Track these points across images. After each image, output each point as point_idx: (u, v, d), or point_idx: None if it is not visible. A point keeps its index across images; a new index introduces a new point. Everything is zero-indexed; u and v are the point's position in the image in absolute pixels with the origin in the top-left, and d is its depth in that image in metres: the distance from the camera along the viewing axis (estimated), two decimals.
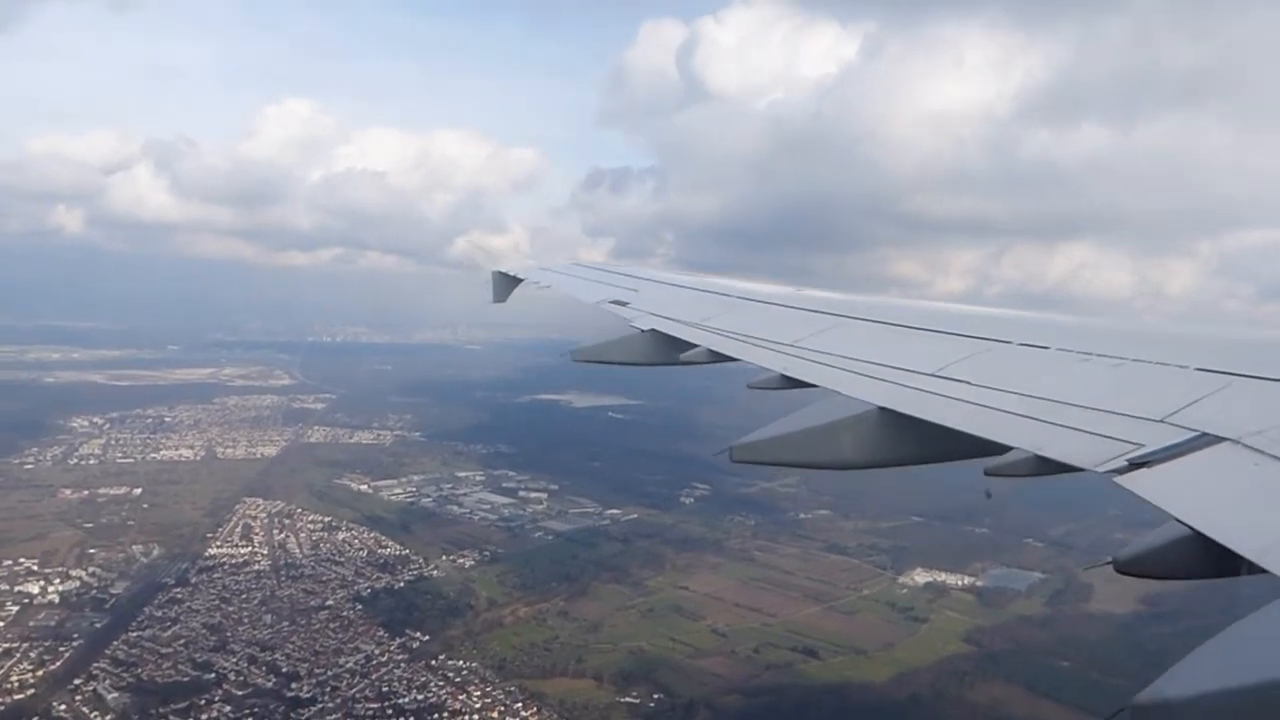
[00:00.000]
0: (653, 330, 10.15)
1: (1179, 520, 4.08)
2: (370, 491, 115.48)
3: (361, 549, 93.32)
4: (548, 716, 62.97)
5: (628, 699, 66.20)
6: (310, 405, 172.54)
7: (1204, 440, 4.63)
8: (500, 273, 16.46)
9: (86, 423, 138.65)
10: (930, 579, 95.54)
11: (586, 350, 10.65)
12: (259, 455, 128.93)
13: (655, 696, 66.87)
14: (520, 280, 16.21)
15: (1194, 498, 4.23)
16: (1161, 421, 4.98)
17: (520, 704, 64.14)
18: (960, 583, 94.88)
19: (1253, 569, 3.65)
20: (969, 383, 6.49)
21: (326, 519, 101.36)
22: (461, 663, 69.62)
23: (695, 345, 9.36)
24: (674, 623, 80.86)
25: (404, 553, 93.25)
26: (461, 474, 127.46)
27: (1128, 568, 4.47)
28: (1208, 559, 3.98)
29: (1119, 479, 4.49)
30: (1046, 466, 5.01)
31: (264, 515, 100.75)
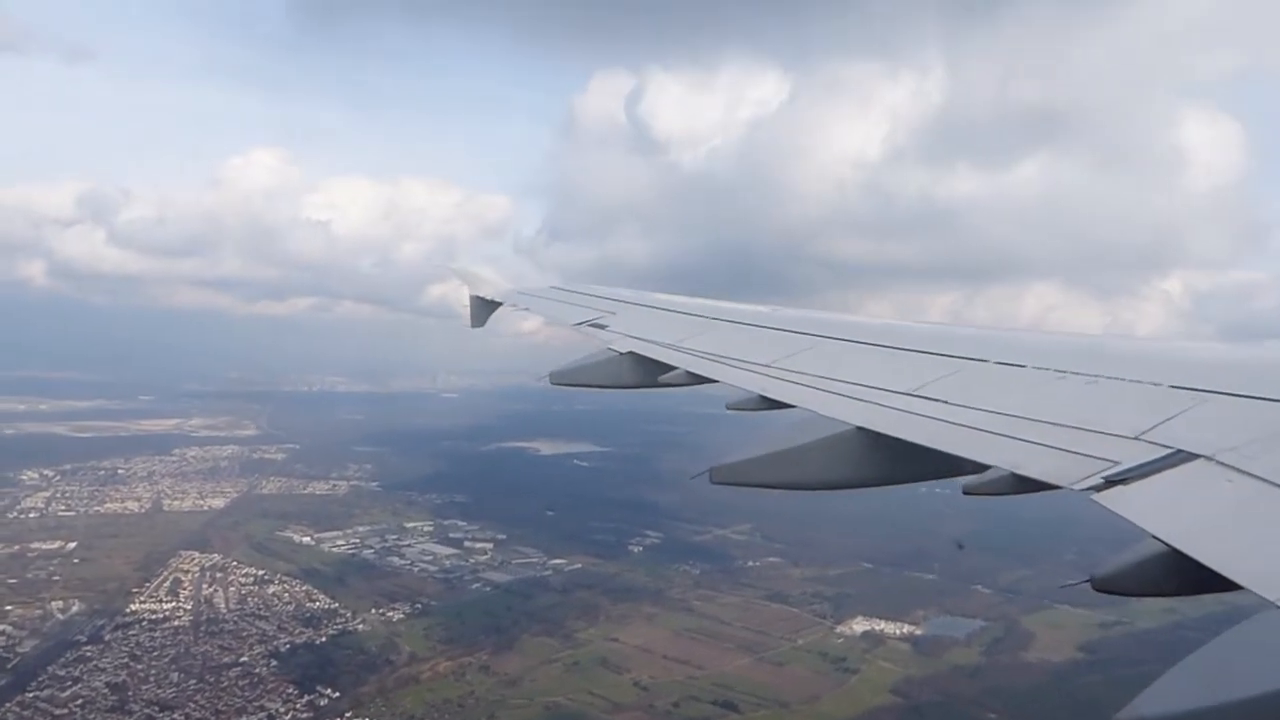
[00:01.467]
0: (631, 353, 10.06)
1: (1155, 537, 4.08)
2: (312, 543, 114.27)
3: (290, 603, 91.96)
4: None
5: None
6: (271, 456, 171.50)
7: (1179, 457, 4.67)
8: (478, 297, 16.38)
9: (36, 475, 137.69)
10: (869, 628, 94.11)
11: (564, 373, 10.49)
12: (206, 507, 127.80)
13: None
14: (499, 304, 16.08)
15: (1169, 515, 4.24)
16: (1137, 439, 5.03)
17: None
18: (899, 631, 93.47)
19: (1228, 585, 3.64)
20: (946, 402, 6.49)
21: (260, 572, 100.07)
22: None
23: (674, 367, 9.30)
24: (597, 676, 79.43)
25: (333, 606, 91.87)
26: (410, 524, 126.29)
27: (1105, 585, 4.45)
28: (1183, 576, 3.97)
29: (1095, 496, 4.48)
30: (1024, 485, 5.03)
31: (197, 569, 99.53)
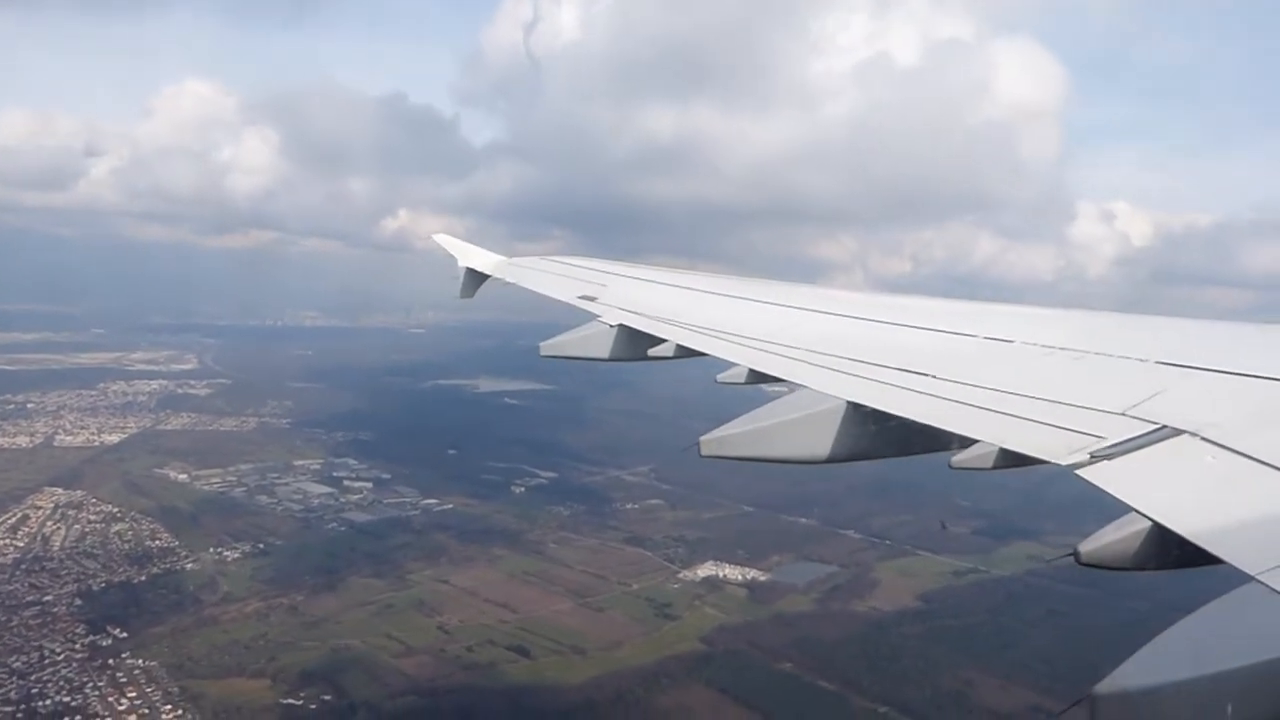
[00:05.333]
0: (620, 325, 10.22)
1: (1139, 512, 4.13)
2: (187, 481, 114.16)
3: (129, 541, 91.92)
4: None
5: (291, 700, 64.34)
6: (196, 391, 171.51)
7: (1164, 433, 4.77)
8: (470, 269, 16.52)
9: None
10: (714, 573, 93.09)
11: (552, 345, 10.58)
12: (98, 443, 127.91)
13: (324, 698, 64.97)
14: (487, 276, 16.27)
15: (1154, 490, 4.32)
16: (1123, 414, 5.13)
17: (169, 706, 62.47)
18: (743, 577, 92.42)
19: (1210, 560, 3.69)
20: (935, 376, 6.59)
21: (114, 510, 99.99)
22: (141, 662, 67.96)
23: (664, 340, 9.44)
24: (405, 619, 78.92)
25: (173, 545, 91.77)
26: (299, 462, 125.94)
27: (1089, 560, 4.34)
28: (1167, 551, 4.08)
29: (1080, 472, 4.58)
30: (1010, 459, 5.14)
31: (51, 506, 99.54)
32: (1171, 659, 3.59)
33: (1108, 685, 3.49)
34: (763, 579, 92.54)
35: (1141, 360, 5.92)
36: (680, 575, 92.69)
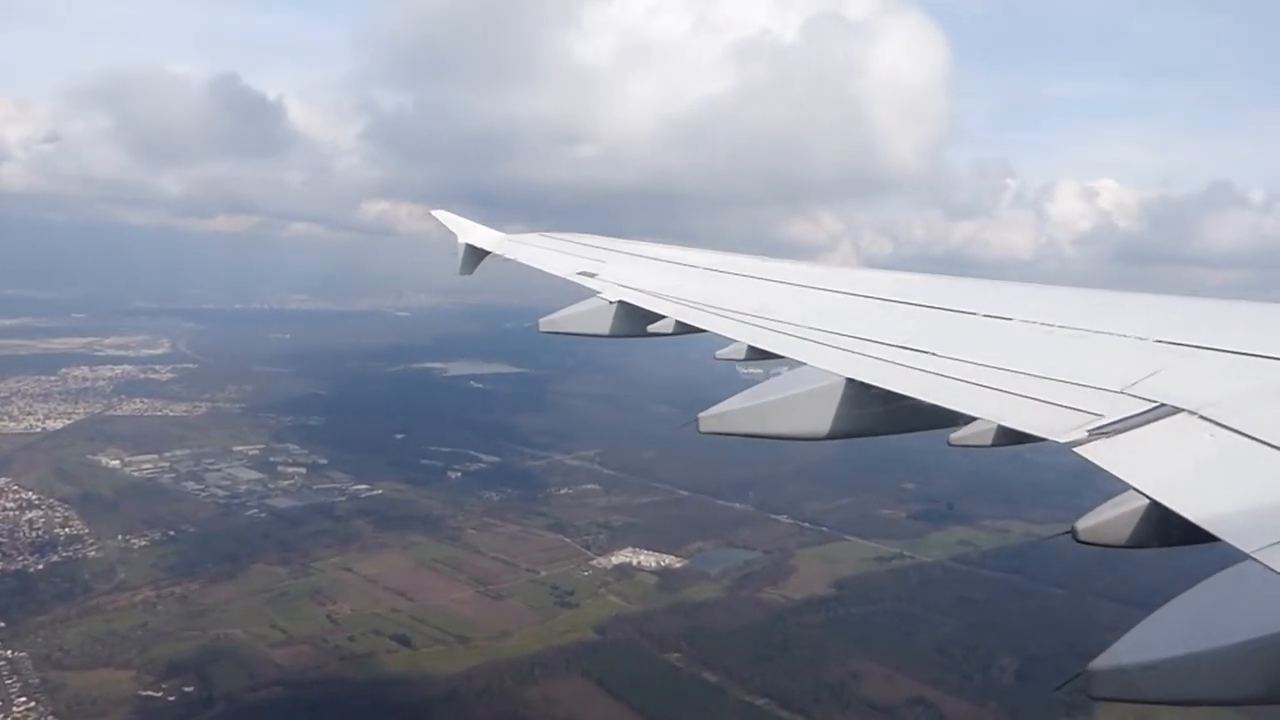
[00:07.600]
0: (620, 301, 10.20)
1: (1137, 490, 4.09)
2: (118, 467, 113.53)
3: (38, 529, 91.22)
4: (38, 712, 60.34)
5: (150, 692, 63.33)
6: (158, 376, 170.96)
7: (1162, 411, 4.74)
8: (470, 245, 16.58)
9: None
10: (629, 560, 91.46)
11: (552, 321, 10.60)
12: (41, 429, 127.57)
13: (185, 690, 63.92)
14: (488, 253, 16.31)
15: (1151, 468, 4.29)
16: (1121, 392, 5.10)
17: (24, 699, 61.57)
18: (657, 564, 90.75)
19: (1206, 537, 3.65)
20: (935, 354, 6.60)
21: (35, 497, 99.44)
22: (10, 653, 67.15)
23: (663, 316, 9.45)
24: (297, 608, 77.77)
25: (82, 533, 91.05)
26: (239, 448, 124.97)
27: (1086, 537, 4.26)
28: (1164, 528, 4.03)
29: (1079, 449, 4.56)
30: (1009, 437, 5.09)
31: None
32: (1167, 635, 3.64)
33: (1104, 660, 3.56)
34: (677, 566, 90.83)
35: (1141, 339, 5.95)
36: (593, 562, 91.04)
